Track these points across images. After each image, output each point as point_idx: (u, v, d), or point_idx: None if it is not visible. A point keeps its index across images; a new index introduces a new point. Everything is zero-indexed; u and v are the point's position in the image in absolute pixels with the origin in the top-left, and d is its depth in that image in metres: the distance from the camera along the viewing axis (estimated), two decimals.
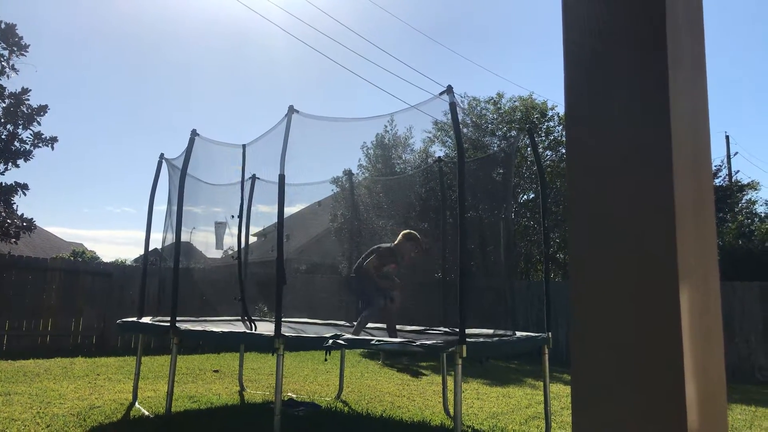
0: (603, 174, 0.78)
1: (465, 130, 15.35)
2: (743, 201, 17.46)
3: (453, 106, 4.68)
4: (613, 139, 0.77)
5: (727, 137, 24.40)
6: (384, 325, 6.17)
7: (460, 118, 4.83)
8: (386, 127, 15.08)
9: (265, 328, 5.93)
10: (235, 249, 7.64)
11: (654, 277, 0.71)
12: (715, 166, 19.96)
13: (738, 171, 32.33)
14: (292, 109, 5.25)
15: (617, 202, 0.76)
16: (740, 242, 12.94)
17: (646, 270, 0.72)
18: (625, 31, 0.78)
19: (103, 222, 61.10)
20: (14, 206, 11.56)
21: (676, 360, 0.68)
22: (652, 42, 0.75)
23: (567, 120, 0.84)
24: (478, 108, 16.30)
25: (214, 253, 8.96)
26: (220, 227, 7.86)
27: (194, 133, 6.30)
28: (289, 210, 8.85)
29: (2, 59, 11.22)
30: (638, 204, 0.74)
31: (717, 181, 19.16)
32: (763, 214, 16.96)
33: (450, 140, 15.83)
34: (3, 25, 11.07)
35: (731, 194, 16.84)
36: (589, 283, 0.78)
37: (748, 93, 52.52)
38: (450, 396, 6.56)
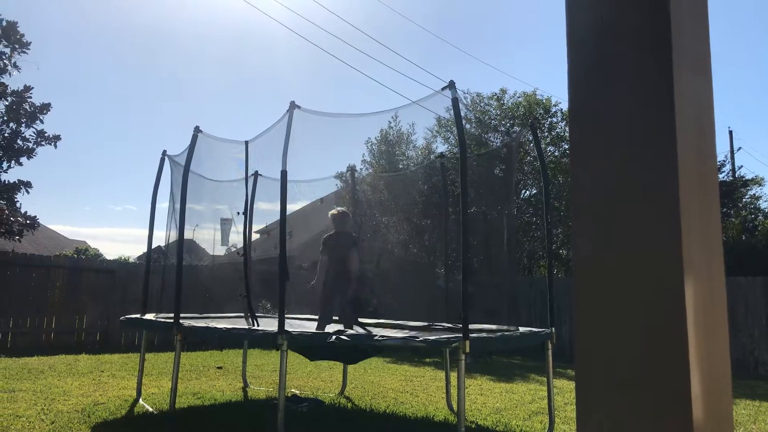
0: (607, 170, 0.77)
1: (467, 126, 15.32)
2: (747, 196, 17.43)
3: (455, 101, 4.66)
4: (617, 135, 0.77)
5: (731, 132, 24.28)
6: (384, 321, 6.18)
7: (462, 113, 4.82)
8: (390, 123, 15.09)
9: (268, 324, 5.94)
10: (239, 246, 7.64)
11: (658, 272, 0.71)
12: (719, 161, 19.88)
13: (741, 166, 32.20)
14: (293, 105, 5.24)
15: (621, 197, 0.76)
16: (744, 237, 12.93)
17: (650, 265, 0.72)
18: (629, 28, 0.78)
19: (105, 220, 61.12)
20: (18, 204, 11.59)
21: (681, 355, 0.68)
22: (657, 39, 0.75)
23: (570, 116, 0.83)
24: (481, 104, 16.27)
25: (217, 250, 8.98)
26: (226, 224, 7.85)
27: (197, 130, 6.29)
28: (292, 207, 8.84)
29: (4, 57, 11.23)
30: (643, 199, 0.74)
31: (720, 176, 19.10)
32: (766, 210, 16.94)
33: (452, 136, 15.80)
34: (4, 23, 11.08)
35: (735, 189, 16.79)
36: (593, 279, 0.77)
37: (751, 88, 52.34)
38: (453, 392, 6.57)
